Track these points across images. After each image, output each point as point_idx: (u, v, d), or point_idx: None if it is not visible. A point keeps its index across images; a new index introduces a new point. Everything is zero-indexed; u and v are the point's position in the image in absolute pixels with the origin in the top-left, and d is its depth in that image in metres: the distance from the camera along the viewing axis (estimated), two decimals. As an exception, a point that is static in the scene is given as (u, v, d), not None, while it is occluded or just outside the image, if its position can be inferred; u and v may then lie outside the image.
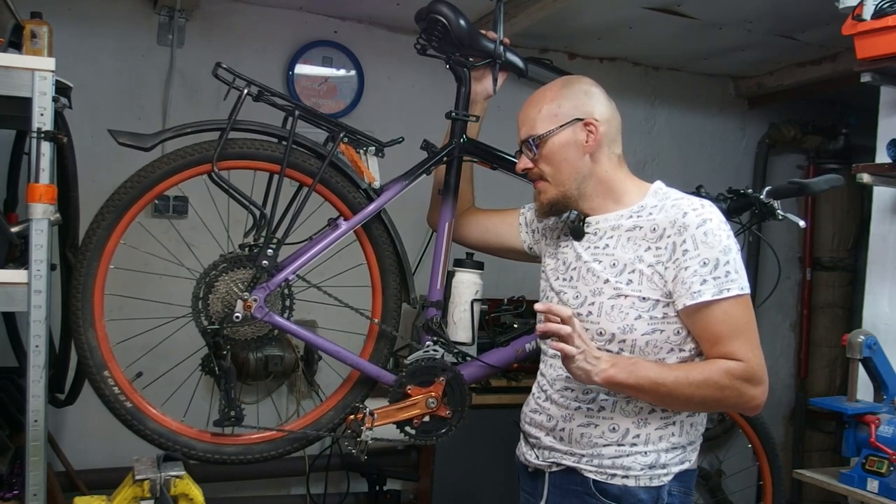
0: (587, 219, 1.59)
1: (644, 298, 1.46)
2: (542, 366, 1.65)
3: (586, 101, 1.56)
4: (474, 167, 1.92)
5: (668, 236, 1.46)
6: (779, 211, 1.97)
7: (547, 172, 1.57)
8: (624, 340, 1.47)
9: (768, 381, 1.45)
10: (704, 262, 1.41)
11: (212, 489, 2.18)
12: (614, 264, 1.50)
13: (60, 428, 2.73)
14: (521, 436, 1.67)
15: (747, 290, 1.43)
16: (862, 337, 2.24)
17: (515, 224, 1.81)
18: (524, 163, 1.61)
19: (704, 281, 1.41)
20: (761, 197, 1.97)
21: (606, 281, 1.50)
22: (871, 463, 2.15)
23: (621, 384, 1.43)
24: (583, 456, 1.51)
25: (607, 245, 1.53)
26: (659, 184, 1.59)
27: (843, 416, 2.25)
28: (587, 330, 1.50)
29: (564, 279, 1.59)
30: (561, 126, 1.54)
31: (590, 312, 1.51)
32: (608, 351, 1.48)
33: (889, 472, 2.10)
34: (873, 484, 2.13)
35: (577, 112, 1.55)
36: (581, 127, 1.54)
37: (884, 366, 2.26)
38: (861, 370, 2.27)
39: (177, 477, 1.65)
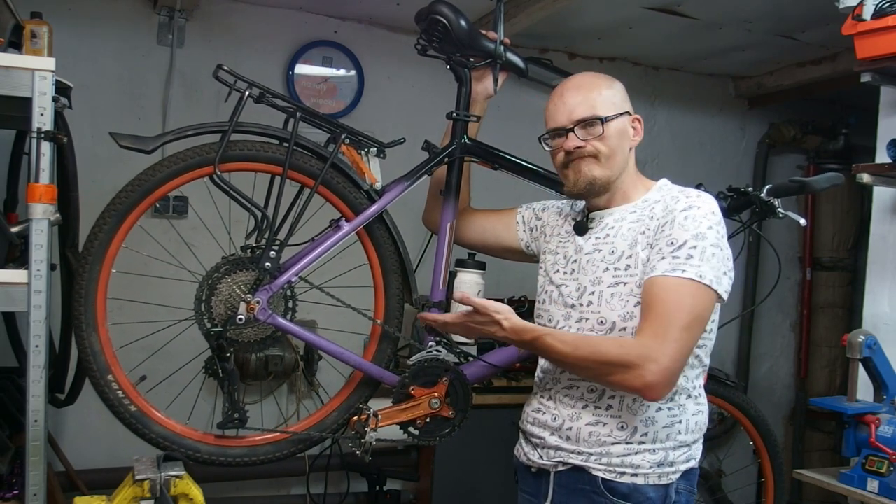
0: (591, 214, 1.61)
1: (640, 284, 1.47)
2: (541, 362, 1.65)
3: (627, 99, 1.61)
4: (474, 167, 1.92)
5: (659, 219, 1.49)
6: (779, 209, 1.97)
7: (602, 152, 1.55)
8: (625, 328, 1.48)
9: (674, 366, 1.38)
10: (672, 242, 1.43)
11: (212, 489, 2.18)
12: (613, 251, 1.52)
13: (60, 428, 2.73)
14: (521, 436, 1.67)
15: (706, 282, 1.39)
16: (862, 337, 2.24)
17: (513, 223, 1.81)
18: (575, 140, 1.55)
19: (663, 258, 1.42)
20: (762, 195, 1.98)
21: (606, 269, 1.52)
22: (871, 463, 2.15)
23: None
24: (591, 455, 1.51)
25: (608, 235, 1.56)
26: (664, 181, 1.61)
27: (843, 416, 2.25)
28: (587, 320, 1.52)
29: (565, 272, 1.60)
30: (620, 114, 1.57)
31: (590, 302, 1.52)
32: None
33: (889, 472, 2.10)
34: (873, 484, 2.13)
35: (627, 106, 1.59)
36: (631, 120, 1.59)
37: (884, 366, 2.26)
38: (861, 370, 2.27)
39: (177, 477, 1.65)
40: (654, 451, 1.49)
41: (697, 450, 1.55)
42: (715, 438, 3.60)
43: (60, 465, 2.59)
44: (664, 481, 1.49)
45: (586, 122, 1.55)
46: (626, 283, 1.48)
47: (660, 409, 1.50)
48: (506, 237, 1.82)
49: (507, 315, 1.50)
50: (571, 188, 1.59)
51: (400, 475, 3.17)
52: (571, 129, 1.55)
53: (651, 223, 1.50)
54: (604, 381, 1.47)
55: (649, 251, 1.46)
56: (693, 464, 1.54)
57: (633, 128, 1.59)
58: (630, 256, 1.49)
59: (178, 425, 1.73)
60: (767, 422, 2.29)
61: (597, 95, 1.57)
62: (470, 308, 1.56)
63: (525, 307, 2.90)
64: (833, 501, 3.40)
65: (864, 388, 2.30)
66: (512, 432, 1.72)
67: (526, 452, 1.64)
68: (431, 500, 3.04)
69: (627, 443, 1.49)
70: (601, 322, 1.50)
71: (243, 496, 3.11)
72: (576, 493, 1.53)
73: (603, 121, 1.54)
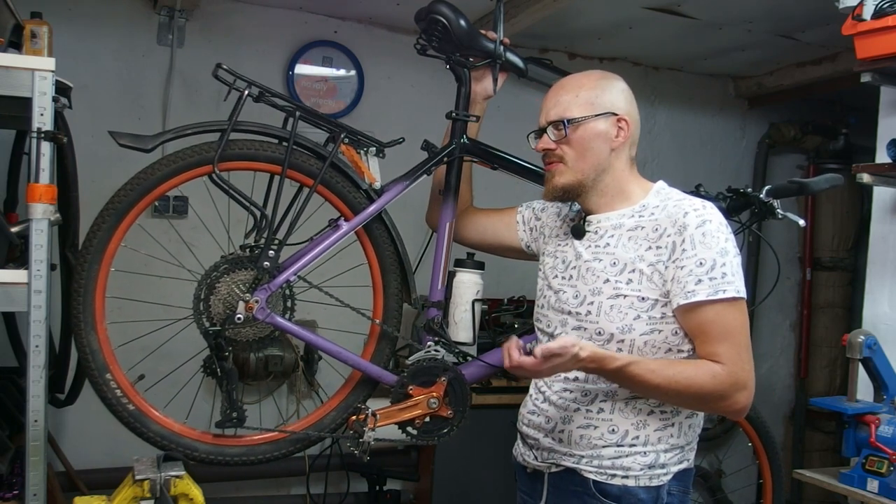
0: (588, 217, 1.59)
1: (643, 298, 1.46)
2: None
3: (622, 98, 1.57)
4: (474, 167, 1.92)
5: (669, 235, 1.46)
6: (778, 210, 1.97)
7: (569, 156, 1.55)
8: (622, 340, 1.48)
9: (754, 386, 1.44)
10: (701, 263, 1.42)
11: (212, 489, 2.18)
12: (614, 263, 1.51)
13: (60, 428, 2.73)
14: (518, 436, 1.67)
15: (742, 295, 1.43)
16: (862, 337, 2.24)
17: (513, 223, 1.81)
18: (546, 142, 1.57)
19: (699, 281, 1.42)
20: (761, 196, 1.98)
21: (606, 280, 1.50)
22: (871, 463, 2.15)
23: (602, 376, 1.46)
24: (582, 457, 1.52)
25: (608, 244, 1.54)
26: (661, 183, 1.59)
27: (843, 416, 2.25)
28: (585, 329, 1.51)
29: (563, 278, 1.59)
30: (596, 115, 1.54)
31: (588, 312, 1.51)
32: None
33: (889, 472, 2.10)
34: (873, 484, 2.13)
35: (613, 106, 1.55)
36: (614, 121, 1.55)
37: (884, 366, 2.26)
38: (861, 370, 2.27)
39: (177, 477, 1.65)
40: (644, 453, 1.49)
41: (691, 451, 1.55)
42: (714, 438, 3.60)
43: (60, 465, 2.59)
44: (655, 483, 1.49)
45: (554, 124, 1.56)
46: (626, 296, 1.47)
47: (652, 412, 1.50)
48: (506, 236, 1.82)
49: (581, 344, 1.38)
50: (545, 195, 1.61)
51: (400, 475, 3.17)
52: (545, 130, 1.57)
53: (654, 235, 1.48)
54: (694, 408, 1.52)
55: (675, 270, 1.44)
56: (686, 465, 1.54)
57: (620, 128, 1.54)
58: (633, 271, 1.48)
59: (177, 424, 1.73)
60: (766, 422, 2.28)
61: (572, 97, 1.55)
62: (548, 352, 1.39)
63: (524, 307, 2.91)
64: (833, 501, 3.40)
65: (864, 388, 2.30)
66: (511, 432, 1.72)
67: (522, 453, 1.65)
68: (431, 500, 3.04)
69: (618, 445, 1.50)
70: (599, 333, 1.50)
71: (243, 496, 3.11)
72: (568, 495, 1.54)
73: (566, 123, 1.53)
